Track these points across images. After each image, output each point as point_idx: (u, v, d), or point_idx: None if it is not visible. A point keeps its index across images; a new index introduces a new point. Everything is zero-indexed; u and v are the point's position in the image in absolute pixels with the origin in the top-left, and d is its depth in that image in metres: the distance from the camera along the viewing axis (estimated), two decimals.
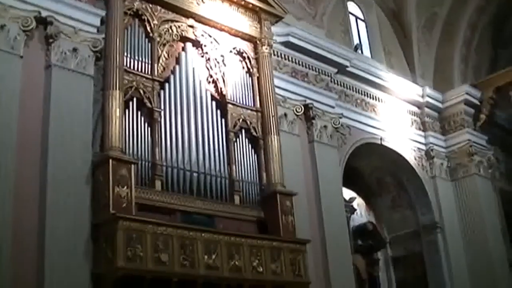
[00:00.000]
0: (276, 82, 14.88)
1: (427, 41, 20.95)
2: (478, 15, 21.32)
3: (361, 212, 20.03)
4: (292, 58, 16.02)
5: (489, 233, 19.44)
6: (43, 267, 10.15)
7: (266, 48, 14.62)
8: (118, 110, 11.47)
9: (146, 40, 12.81)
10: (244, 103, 14.01)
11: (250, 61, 14.51)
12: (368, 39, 20.54)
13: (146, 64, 12.54)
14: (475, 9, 21.09)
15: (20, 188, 10.33)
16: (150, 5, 13.02)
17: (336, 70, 17.09)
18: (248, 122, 13.90)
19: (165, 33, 13.09)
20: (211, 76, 13.76)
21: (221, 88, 13.74)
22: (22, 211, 10.25)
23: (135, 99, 12.12)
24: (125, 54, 12.21)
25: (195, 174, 12.41)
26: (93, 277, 10.64)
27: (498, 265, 19.22)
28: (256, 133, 13.94)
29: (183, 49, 13.50)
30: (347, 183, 17.62)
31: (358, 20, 20.60)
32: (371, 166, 19.40)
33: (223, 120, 13.46)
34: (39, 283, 10.10)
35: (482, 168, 20.41)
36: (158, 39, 12.91)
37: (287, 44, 15.82)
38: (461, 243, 19.38)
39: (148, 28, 12.87)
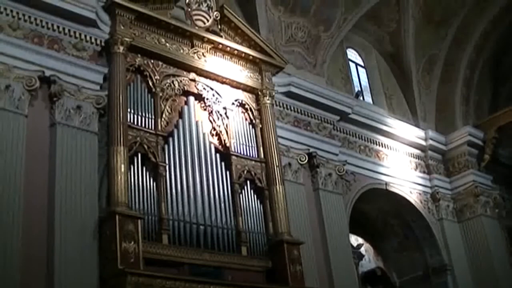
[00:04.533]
0: (279, 132, 14.97)
1: (427, 83, 21.07)
2: (477, 54, 21.46)
3: (369, 258, 19.94)
4: (294, 108, 16.10)
5: (499, 273, 19.30)
6: None
7: (268, 99, 14.76)
8: (123, 165, 11.55)
9: (149, 95, 12.94)
10: (248, 154, 14.08)
11: (252, 112, 14.63)
12: (369, 85, 20.69)
13: (150, 119, 12.65)
14: (473, 48, 21.24)
15: (27, 245, 10.33)
16: (152, 61, 13.19)
17: (338, 118, 17.16)
18: (253, 173, 13.94)
19: (167, 88, 13.22)
20: (214, 129, 13.87)
21: (224, 140, 13.83)
22: (30, 269, 10.26)
23: (139, 154, 12.20)
24: (129, 110, 12.33)
25: (201, 227, 12.42)
26: None
27: None
28: (261, 184, 13.98)
29: (186, 103, 13.61)
30: (354, 229, 17.58)
31: (358, 67, 20.77)
32: (377, 211, 19.36)
33: (227, 172, 13.51)
34: None
35: (489, 208, 20.35)
36: (160, 94, 13.04)
37: (288, 94, 15.89)
38: (471, 284, 19.20)
39: (151, 83, 13.01)
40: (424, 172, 19.99)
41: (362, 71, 20.81)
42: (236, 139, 13.98)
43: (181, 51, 13.71)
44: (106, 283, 10.81)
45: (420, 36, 20.34)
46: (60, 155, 11.32)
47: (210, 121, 13.90)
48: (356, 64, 20.72)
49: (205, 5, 14.45)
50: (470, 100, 21.73)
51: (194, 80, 13.80)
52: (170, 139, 12.89)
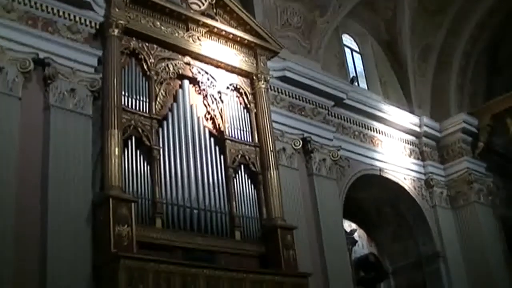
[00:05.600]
0: (274, 116, 14.92)
1: (422, 71, 21.04)
2: (472, 44, 21.46)
3: (362, 244, 19.99)
4: (289, 92, 16.06)
5: (492, 261, 19.38)
6: None
7: (263, 83, 14.71)
8: (117, 149, 11.50)
9: (143, 78, 12.88)
10: (243, 138, 14.05)
11: (247, 97, 14.59)
12: (364, 71, 20.70)
13: (144, 103, 12.59)
14: (468, 38, 21.23)
15: (21, 230, 10.30)
16: (147, 44, 13.12)
17: (333, 103, 17.13)
18: (247, 158, 13.92)
19: (162, 71, 13.16)
20: (208, 113, 13.82)
21: (219, 125, 13.79)
22: (23, 254, 10.23)
23: (133, 138, 12.15)
24: (123, 93, 12.26)
25: (195, 211, 12.39)
26: None
27: None
28: (255, 168, 13.96)
29: (180, 86, 13.56)
30: (348, 215, 17.61)
31: (354, 53, 20.75)
32: (371, 197, 19.36)
33: (222, 156, 13.48)
34: None
35: (482, 195, 20.40)
36: (155, 77, 12.98)
37: (283, 79, 15.85)
38: (463, 272, 19.27)
39: (145, 67, 12.96)
40: (418, 159, 20.01)
41: (357, 57, 20.80)
42: (231, 123, 13.95)
43: (176, 34, 13.65)
44: (100, 267, 10.81)
45: (416, 24, 20.32)
46: (54, 138, 11.29)
47: (205, 105, 13.85)
48: (352, 50, 20.71)
49: None
50: (465, 89, 21.74)
51: (189, 64, 13.74)
52: (165, 123, 12.85)
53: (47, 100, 11.55)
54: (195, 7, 14.12)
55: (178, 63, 13.56)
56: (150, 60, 13.04)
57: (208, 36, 14.18)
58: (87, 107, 11.91)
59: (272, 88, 15.57)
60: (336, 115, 17.66)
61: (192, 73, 13.77)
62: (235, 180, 13.57)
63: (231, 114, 14.11)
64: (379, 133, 18.95)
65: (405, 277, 19.92)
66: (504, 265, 19.89)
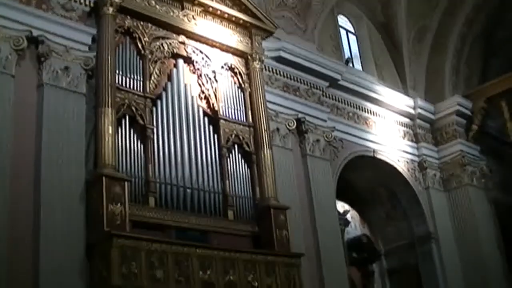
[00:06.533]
0: (268, 97, 14.89)
1: (417, 53, 21.00)
2: (468, 27, 21.40)
3: (355, 225, 20.04)
4: (283, 73, 16.04)
5: (484, 243, 19.44)
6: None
7: (258, 63, 14.66)
8: (110, 127, 11.46)
9: (138, 57, 12.82)
10: (237, 118, 14.01)
11: (241, 77, 14.53)
12: (359, 52, 20.63)
13: (138, 82, 12.54)
14: (464, 20, 21.17)
15: (14, 208, 10.28)
16: (141, 23, 13.05)
17: (327, 84, 17.11)
18: (241, 137, 13.89)
19: (156, 50, 13.10)
20: (203, 92, 13.77)
21: (213, 104, 13.75)
22: (16, 232, 10.20)
23: (127, 117, 12.11)
24: (117, 71, 12.20)
25: (188, 190, 12.39)
26: None
27: (493, 275, 19.22)
28: (249, 148, 13.94)
29: (175, 65, 13.51)
30: (341, 196, 17.63)
31: (349, 34, 20.69)
32: (364, 179, 19.36)
33: (215, 135, 13.46)
34: None
35: (475, 178, 20.44)
36: (149, 56, 12.92)
37: (278, 59, 15.83)
38: (456, 253, 19.35)
39: (140, 46, 12.89)
40: (412, 141, 20.01)
41: (352, 38, 20.74)
42: (225, 103, 13.90)
43: (171, 13, 13.57)
44: (93, 246, 10.81)
45: (412, 5, 20.22)
46: (47, 116, 11.24)
47: (199, 84, 13.80)
48: (347, 31, 20.64)
49: None
50: (460, 71, 21.70)
51: (183, 43, 13.68)
52: (159, 102, 12.81)
53: (41, 78, 11.49)
54: None
55: (172, 42, 13.50)
56: (145, 39, 12.98)
57: (203, 15, 14.11)
58: (81, 85, 11.86)
59: (267, 68, 15.54)
60: (331, 96, 17.63)
61: (187, 52, 13.72)
62: (228, 160, 13.55)
63: (226, 93, 14.06)
64: (373, 114, 18.95)
65: (398, 258, 20.01)
66: (495, 247, 19.99)
